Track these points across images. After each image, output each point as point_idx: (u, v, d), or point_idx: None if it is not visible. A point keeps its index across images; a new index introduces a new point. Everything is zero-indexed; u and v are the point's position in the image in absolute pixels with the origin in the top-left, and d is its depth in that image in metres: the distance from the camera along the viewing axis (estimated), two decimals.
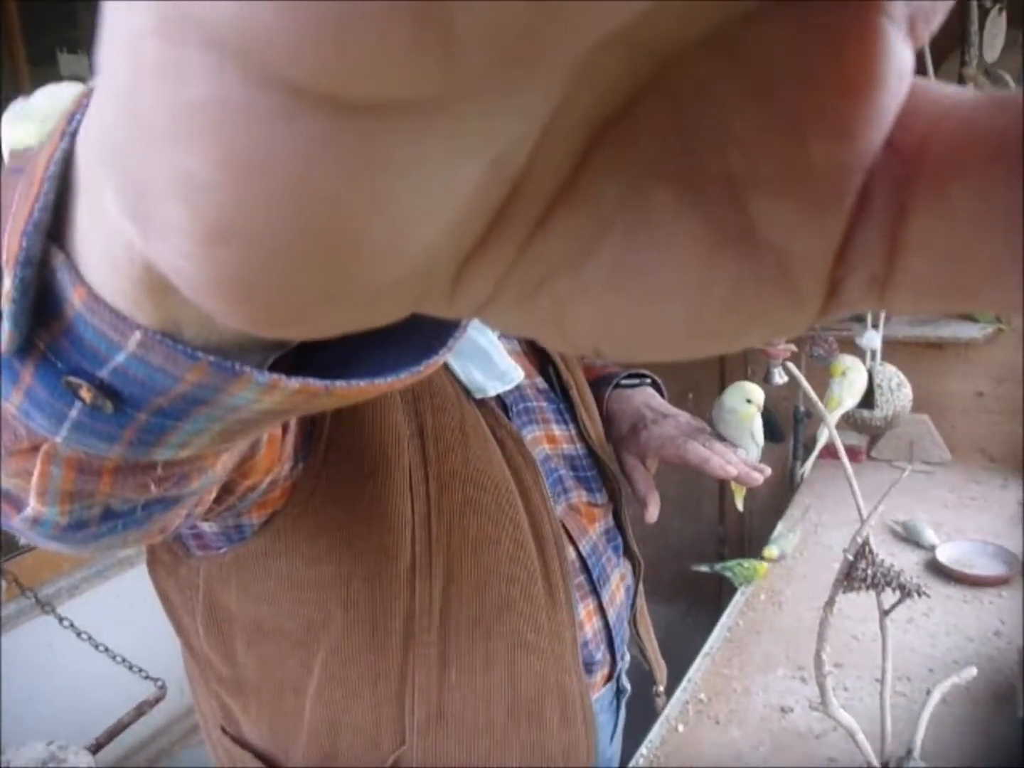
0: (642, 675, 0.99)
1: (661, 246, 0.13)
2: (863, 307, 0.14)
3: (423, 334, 0.25)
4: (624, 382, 0.99)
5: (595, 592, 0.83)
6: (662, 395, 1.01)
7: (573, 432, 0.87)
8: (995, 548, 1.67)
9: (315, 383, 0.23)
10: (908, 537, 1.76)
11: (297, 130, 0.10)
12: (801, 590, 1.61)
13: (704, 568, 1.67)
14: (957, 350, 2.25)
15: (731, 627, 1.49)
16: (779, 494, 2.35)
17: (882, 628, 0.93)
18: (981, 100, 0.12)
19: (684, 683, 1.31)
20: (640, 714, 1.10)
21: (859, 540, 0.90)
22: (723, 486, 2.80)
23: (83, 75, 2.16)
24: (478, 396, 0.75)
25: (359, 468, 0.68)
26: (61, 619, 1.63)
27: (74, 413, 0.24)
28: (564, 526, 0.81)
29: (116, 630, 1.83)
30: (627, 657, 0.92)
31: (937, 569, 1.62)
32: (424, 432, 0.70)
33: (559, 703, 0.77)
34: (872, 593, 0.91)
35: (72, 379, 0.23)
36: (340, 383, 0.24)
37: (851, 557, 0.90)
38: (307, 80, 0.09)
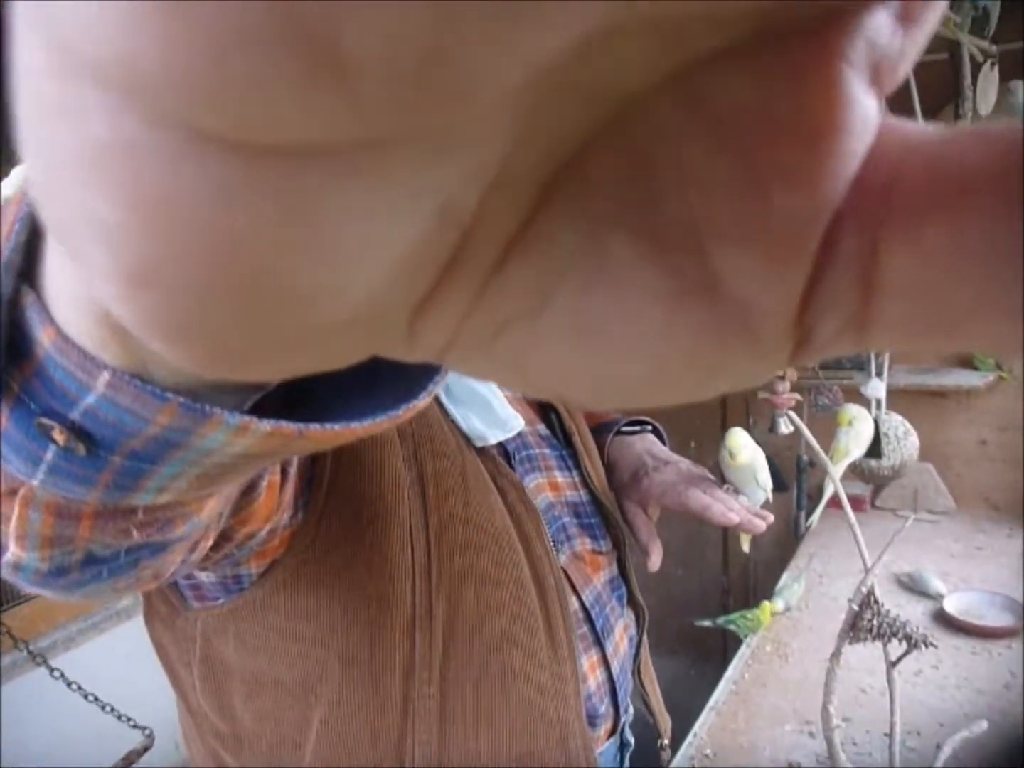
0: (646, 728, 0.97)
1: (619, 296, 0.13)
2: (842, 350, 0.14)
3: (407, 378, 0.25)
4: (625, 429, 0.99)
5: (599, 643, 0.81)
6: (663, 442, 1.01)
7: (576, 479, 0.87)
8: (1003, 599, 1.65)
9: (288, 426, 0.23)
10: (914, 587, 1.74)
11: (204, 173, 0.09)
12: (807, 642, 1.58)
13: (707, 623, 1.64)
14: (959, 398, 2.25)
15: (737, 680, 1.47)
16: (783, 544, 2.33)
17: (889, 680, 0.92)
18: (951, 135, 0.12)
19: (690, 738, 1.29)
20: None
21: (864, 590, 0.89)
22: (727, 535, 2.78)
23: None
24: (479, 444, 0.75)
25: (359, 516, 0.67)
26: (52, 670, 1.61)
27: (49, 456, 0.24)
28: (567, 575, 0.80)
29: (112, 682, 1.81)
30: (631, 710, 0.90)
31: (945, 620, 1.60)
32: (424, 478, 0.70)
33: (563, 759, 0.75)
34: (879, 644, 0.90)
35: (44, 420, 0.23)
36: (314, 426, 0.23)
37: (856, 607, 0.89)
38: (204, 122, 0.09)
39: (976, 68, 1.81)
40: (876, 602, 0.89)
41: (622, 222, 0.12)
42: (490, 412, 0.76)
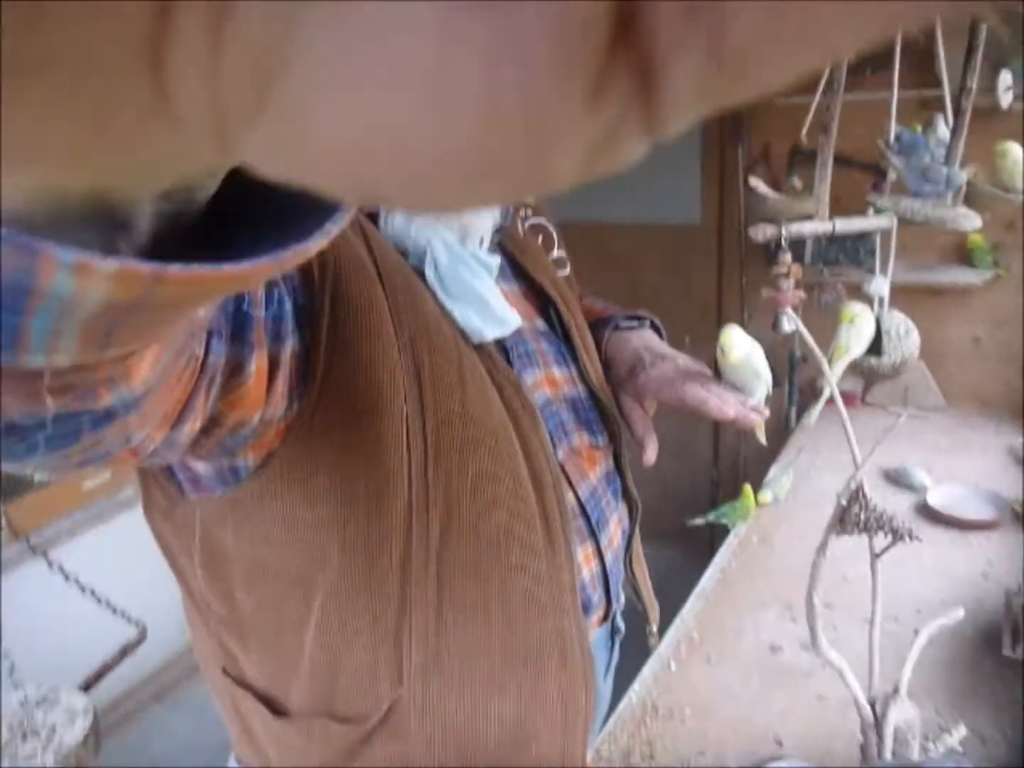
0: (635, 615, 1.00)
1: (370, 18, 0.09)
2: (706, 84, 0.10)
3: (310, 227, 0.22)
4: (623, 324, 0.99)
5: (593, 536, 0.83)
6: (661, 337, 1.01)
7: (574, 373, 0.86)
8: (985, 492, 1.68)
9: (139, 266, 0.20)
10: (900, 481, 1.78)
11: None
12: (793, 532, 1.63)
13: (699, 521, 1.68)
14: (956, 296, 2.24)
15: (724, 568, 1.52)
16: (773, 437, 2.36)
17: (873, 571, 0.95)
18: None
19: (677, 621, 1.34)
20: (633, 653, 1.12)
21: (853, 486, 0.91)
22: (718, 429, 2.82)
23: None
24: (476, 341, 0.74)
25: (355, 408, 0.67)
26: (50, 563, 1.65)
27: None
28: (564, 471, 0.81)
29: (115, 571, 1.86)
30: (622, 598, 0.93)
31: (928, 512, 1.64)
32: (421, 371, 0.69)
33: (557, 648, 0.78)
34: (864, 536, 0.92)
35: None
36: (174, 268, 0.20)
37: (844, 502, 0.91)
38: None
39: None
40: (865, 497, 0.90)
41: None
42: (487, 309, 0.75)
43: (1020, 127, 1.68)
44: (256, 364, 0.55)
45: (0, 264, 0.19)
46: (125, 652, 1.67)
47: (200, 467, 0.68)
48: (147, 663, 2.06)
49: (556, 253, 0.95)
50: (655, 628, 1.02)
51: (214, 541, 0.73)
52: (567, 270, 0.95)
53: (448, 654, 0.73)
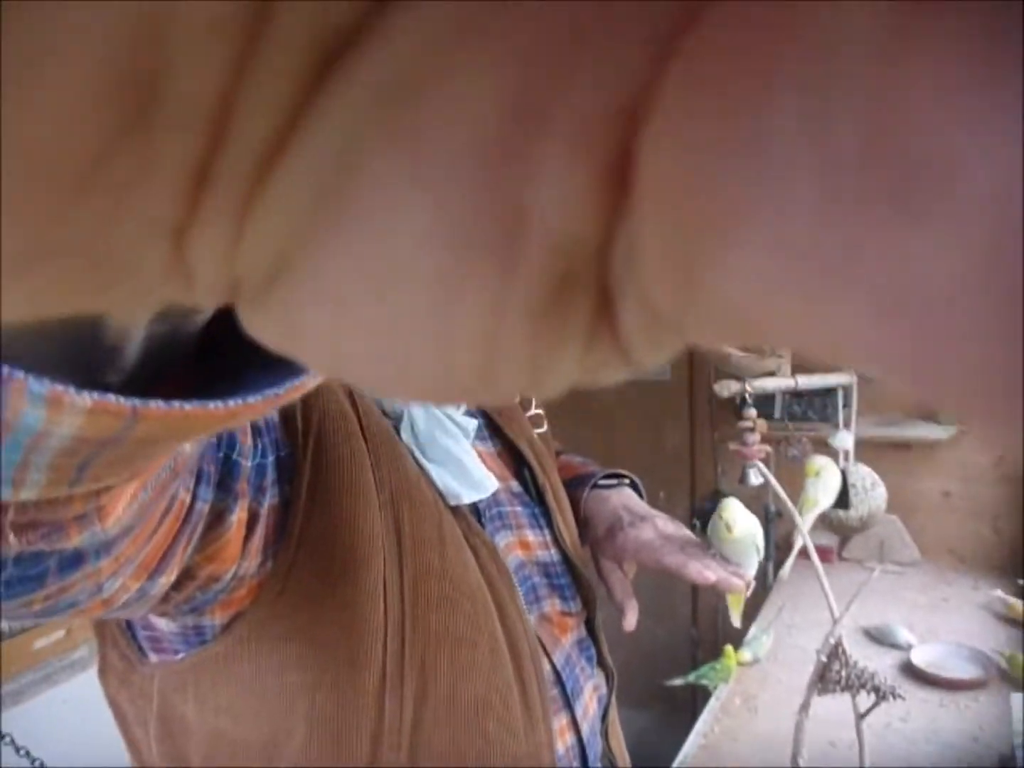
0: None
1: (384, 236, 0.09)
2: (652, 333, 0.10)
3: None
4: (602, 482, 0.99)
5: (568, 706, 0.80)
6: (640, 495, 1.01)
7: (548, 538, 0.85)
8: (970, 651, 1.66)
9: (117, 402, 0.19)
10: (882, 639, 1.75)
11: None
12: (776, 694, 1.58)
13: (679, 681, 1.63)
14: (923, 450, 2.28)
15: (706, 734, 1.46)
16: (752, 595, 2.33)
17: (858, 731, 0.92)
18: None
19: None
20: None
21: (832, 641, 0.90)
22: (696, 587, 2.77)
23: None
24: (452, 503, 0.74)
25: (331, 567, 0.66)
26: None
27: None
28: (538, 637, 0.78)
29: (63, 737, 1.75)
30: None
31: (912, 672, 1.60)
32: (401, 527, 0.68)
33: None
34: (848, 697, 0.90)
35: None
36: (155, 404, 0.19)
37: (824, 659, 0.89)
38: None
39: None
40: (844, 653, 0.89)
41: (384, 118, 0.09)
42: (463, 472, 0.75)
43: None
44: (238, 515, 0.55)
45: None
46: None
47: (162, 625, 0.66)
48: None
49: (533, 410, 0.96)
50: None
51: (173, 711, 0.69)
52: (544, 427, 0.97)
53: None
